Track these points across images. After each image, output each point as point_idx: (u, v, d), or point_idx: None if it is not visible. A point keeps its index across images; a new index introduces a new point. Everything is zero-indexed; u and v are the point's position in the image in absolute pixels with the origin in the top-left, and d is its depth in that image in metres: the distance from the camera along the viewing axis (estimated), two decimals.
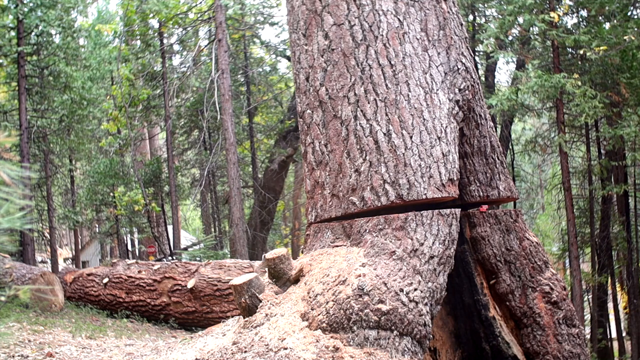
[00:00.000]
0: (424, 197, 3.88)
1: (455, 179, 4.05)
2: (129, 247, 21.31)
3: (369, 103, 4.07)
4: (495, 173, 4.50)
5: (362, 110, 4.07)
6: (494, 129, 4.71)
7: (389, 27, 4.19)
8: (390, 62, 4.12)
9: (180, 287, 8.77)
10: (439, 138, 4.04)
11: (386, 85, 4.08)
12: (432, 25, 4.34)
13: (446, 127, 4.10)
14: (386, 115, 4.03)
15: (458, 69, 4.33)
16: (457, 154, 4.16)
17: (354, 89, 4.12)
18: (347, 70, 4.17)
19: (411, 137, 3.98)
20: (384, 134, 4.00)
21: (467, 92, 4.32)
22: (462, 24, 4.56)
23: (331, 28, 4.27)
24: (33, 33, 13.92)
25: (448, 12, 4.49)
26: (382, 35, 4.17)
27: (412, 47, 4.21)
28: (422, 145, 3.98)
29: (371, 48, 4.15)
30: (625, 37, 10.01)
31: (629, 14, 11.63)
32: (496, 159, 4.56)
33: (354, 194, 4.02)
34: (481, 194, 4.42)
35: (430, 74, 4.19)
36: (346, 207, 4.05)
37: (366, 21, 4.20)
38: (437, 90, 4.17)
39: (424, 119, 4.05)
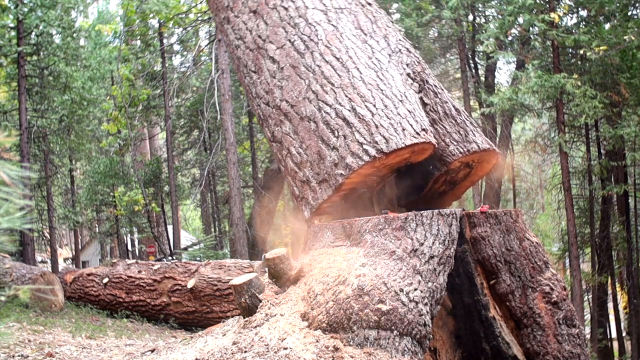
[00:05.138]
0: (402, 145, 4.05)
1: (427, 128, 4.27)
2: (129, 247, 21.31)
3: (327, 93, 4.34)
4: (468, 130, 4.68)
5: (323, 101, 4.34)
6: (451, 99, 4.97)
7: (326, 32, 4.63)
8: (336, 57, 4.48)
9: (180, 287, 8.77)
10: (401, 101, 4.31)
11: (338, 75, 4.39)
12: (364, 23, 4.84)
13: (405, 93, 4.40)
14: (346, 97, 4.29)
15: (400, 49, 4.79)
16: (424, 112, 4.41)
17: (310, 89, 4.41)
18: (299, 77, 4.51)
19: (375, 106, 4.22)
20: (349, 110, 4.24)
21: (414, 66, 4.73)
22: (391, 21, 5.07)
23: (275, 52, 4.71)
24: (33, 33, 13.92)
25: (375, 12, 5.02)
26: (322, 39, 4.59)
27: (352, 42, 4.62)
28: (387, 109, 4.22)
29: (315, 52, 4.53)
30: (625, 37, 10.02)
31: (629, 14, 11.62)
32: (464, 119, 4.76)
33: (338, 167, 4.16)
34: (461, 150, 4.58)
35: (376, 58, 4.57)
36: (335, 182, 4.15)
37: (304, 34, 4.66)
38: (387, 68, 4.51)
39: (382, 90, 4.33)
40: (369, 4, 5.10)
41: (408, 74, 4.65)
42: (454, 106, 4.80)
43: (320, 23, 4.70)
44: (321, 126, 4.29)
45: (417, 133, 4.15)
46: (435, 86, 4.84)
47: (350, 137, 4.15)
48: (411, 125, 4.18)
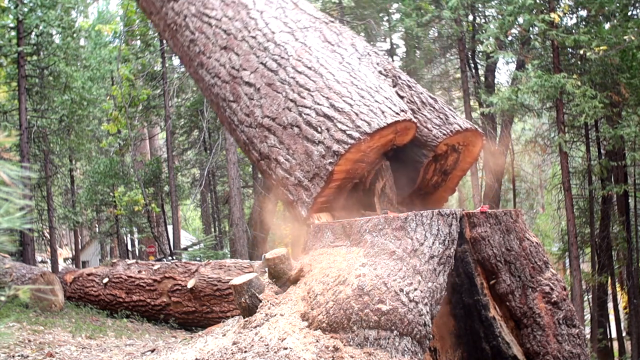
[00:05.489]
0: (384, 124, 4.21)
1: (406, 110, 4.47)
2: (129, 247, 21.31)
3: (305, 98, 4.54)
4: (447, 114, 4.87)
5: (302, 106, 4.52)
6: (426, 91, 5.20)
7: (295, 49, 4.92)
8: (308, 67, 4.72)
9: (180, 287, 8.77)
10: (377, 91, 4.51)
11: (313, 81, 4.61)
12: (330, 36, 5.15)
13: (379, 85, 4.61)
14: (324, 97, 4.49)
15: (368, 53, 5.06)
16: (401, 100, 4.61)
17: (288, 99, 4.61)
18: (276, 92, 4.73)
19: (352, 99, 4.42)
20: (329, 107, 4.42)
21: (385, 64, 5.00)
22: (354, 35, 5.40)
23: (250, 76, 4.97)
24: (33, 33, 13.92)
25: (339, 27, 5.39)
26: (292, 55, 4.86)
27: (321, 53, 4.89)
28: (364, 99, 4.42)
29: (288, 67, 4.78)
30: (625, 37, 10.02)
31: (629, 14, 11.62)
32: (442, 106, 4.95)
33: (326, 158, 4.27)
34: (444, 131, 4.74)
35: (347, 62, 4.83)
36: (325, 172, 4.25)
37: (275, 54, 4.93)
38: (358, 68, 4.77)
39: (357, 85, 4.54)
40: (332, 22, 5.44)
41: (380, 72, 4.89)
42: (429, 96, 5.00)
43: (288, 42, 4.99)
44: (304, 127, 4.44)
45: (397, 113, 4.34)
46: (409, 81, 5.05)
47: (333, 128, 4.30)
48: (390, 108, 4.36)
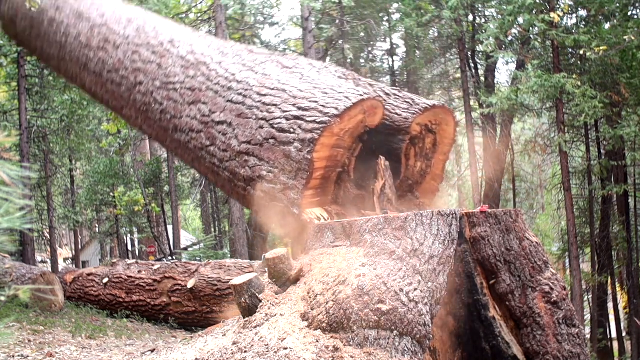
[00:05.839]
0: (351, 104, 4.51)
1: (370, 93, 4.85)
2: (129, 247, 21.30)
3: (274, 112, 4.83)
4: (413, 98, 5.28)
5: (272, 119, 4.81)
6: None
7: (257, 79, 5.31)
8: (271, 88, 5.06)
9: (180, 287, 8.77)
10: (339, 86, 4.90)
11: (278, 97, 4.93)
12: (287, 62, 5.58)
13: (341, 83, 5.05)
14: (290, 104, 4.79)
15: (326, 66, 5.68)
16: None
17: (259, 118, 4.92)
18: (247, 118, 5.03)
19: (316, 97, 4.74)
20: (297, 110, 4.70)
21: (343, 71, 5.57)
22: (310, 60, 6.02)
23: (220, 115, 5.31)
24: None
25: (294, 57, 5.99)
26: (255, 84, 5.22)
27: (281, 76, 5.28)
28: (328, 95, 4.74)
29: (253, 95, 5.10)
30: (625, 37, 10.01)
31: (629, 14, 11.62)
32: (406, 94, 5.35)
33: (303, 150, 4.49)
34: (412, 112, 5.10)
35: (307, 76, 5.26)
36: (306, 162, 4.46)
37: (239, 89, 5.29)
38: (319, 78, 5.16)
39: (320, 88, 4.87)
40: (286, 54, 6.01)
41: (339, 76, 5.37)
42: (392, 88, 5.42)
43: (249, 77, 5.38)
44: (278, 135, 4.68)
45: (361, 95, 4.66)
46: (369, 81, 5.49)
47: (304, 124, 4.56)
48: (353, 93, 4.69)
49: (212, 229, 18.49)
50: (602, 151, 13.29)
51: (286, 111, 4.74)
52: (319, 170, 4.53)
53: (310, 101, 4.70)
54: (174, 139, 5.94)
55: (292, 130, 4.60)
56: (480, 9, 14.76)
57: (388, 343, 3.46)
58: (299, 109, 4.67)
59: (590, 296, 14.77)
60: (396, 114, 5.09)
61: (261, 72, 5.42)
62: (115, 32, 7.02)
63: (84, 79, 7.45)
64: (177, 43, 6.41)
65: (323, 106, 4.57)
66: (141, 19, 7.16)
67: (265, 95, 5.04)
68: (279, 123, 4.71)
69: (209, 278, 8.53)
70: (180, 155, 6.28)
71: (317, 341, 3.44)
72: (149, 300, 9.03)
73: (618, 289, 15.59)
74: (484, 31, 12.59)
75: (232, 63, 5.75)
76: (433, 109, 5.15)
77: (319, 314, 3.57)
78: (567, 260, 14.14)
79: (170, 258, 14.45)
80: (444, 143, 5.37)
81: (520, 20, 11.52)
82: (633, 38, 9.91)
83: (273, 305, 3.81)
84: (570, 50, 12.19)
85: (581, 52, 10.65)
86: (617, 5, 11.00)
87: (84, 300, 9.69)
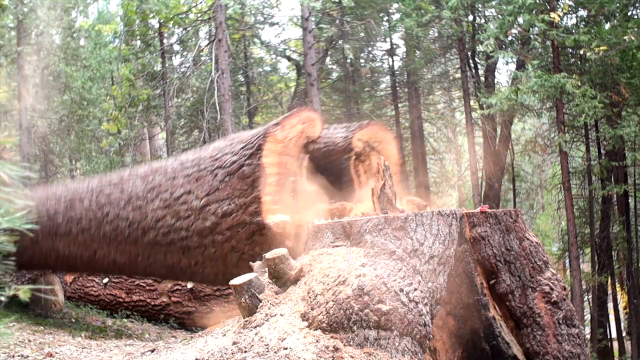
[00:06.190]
0: (288, 114, 5.07)
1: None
2: None
3: (226, 157, 5.34)
4: (349, 125, 5.85)
5: (226, 162, 5.30)
6: None
7: (205, 153, 5.72)
8: (219, 148, 5.59)
9: (180, 287, 8.77)
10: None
11: (225, 149, 5.51)
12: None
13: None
14: (238, 142, 5.37)
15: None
16: None
17: (214, 169, 5.37)
18: (203, 177, 5.46)
19: (260, 130, 5.32)
20: (243, 141, 5.28)
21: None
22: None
23: (180, 190, 5.65)
24: (33, 33, 13.91)
25: None
26: (206, 155, 5.67)
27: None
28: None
29: (206, 160, 5.59)
30: (625, 37, 10.00)
31: (629, 14, 11.61)
32: (346, 124, 6.03)
33: (253, 161, 4.96)
34: (351, 129, 5.63)
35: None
36: (258, 167, 4.98)
37: (193, 164, 5.72)
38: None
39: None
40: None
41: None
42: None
43: (201, 154, 5.83)
44: (230, 168, 5.14)
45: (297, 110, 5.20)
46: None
47: (250, 145, 5.08)
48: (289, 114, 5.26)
49: None
50: (602, 151, 13.28)
51: (234, 150, 5.23)
52: (272, 175, 4.90)
53: (252, 134, 5.25)
54: (144, 245, 6.00)
55: (242, 156, 5.08)
56: (480, 9, 14.74)
57: (388, 343, 3.46)
58: (244, 141, 5.17)
59: (590, 296, 14.76)
60: (337, 137, 5.64)
61: (212, 147, 5.86)
62: (79, 189, 7.00)
63: (57, 247, 7.07)
64: (135, 171, 6.65)
65: (264, 128, 5.14)
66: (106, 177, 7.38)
67: (216, 154, 5.48)
68: (230, 160, 5.17)
69: None
70: (153, 270, 6.25)
71: (317, 341, 3.44)
72: (149, 300, 9.02)
73: (618, 289, 15.58)
74: (483, 31, 12.58)
75: (188, 157, 6.07)
76: (369, 125, 5.69)
77: (319, 314, 3.57)
78: (567, 260, 14.14)
79: None
80: (390, 163, 5.51)
81: (520, 20, 11.51)
82: (633, 38, 9.90)
83: (273, 305, 3.80)
84: (570, 50, 12.18)
85: (581, 52, 10.64)
86: (617, 5, 10.99)
87: (84, 300, 9.69)
